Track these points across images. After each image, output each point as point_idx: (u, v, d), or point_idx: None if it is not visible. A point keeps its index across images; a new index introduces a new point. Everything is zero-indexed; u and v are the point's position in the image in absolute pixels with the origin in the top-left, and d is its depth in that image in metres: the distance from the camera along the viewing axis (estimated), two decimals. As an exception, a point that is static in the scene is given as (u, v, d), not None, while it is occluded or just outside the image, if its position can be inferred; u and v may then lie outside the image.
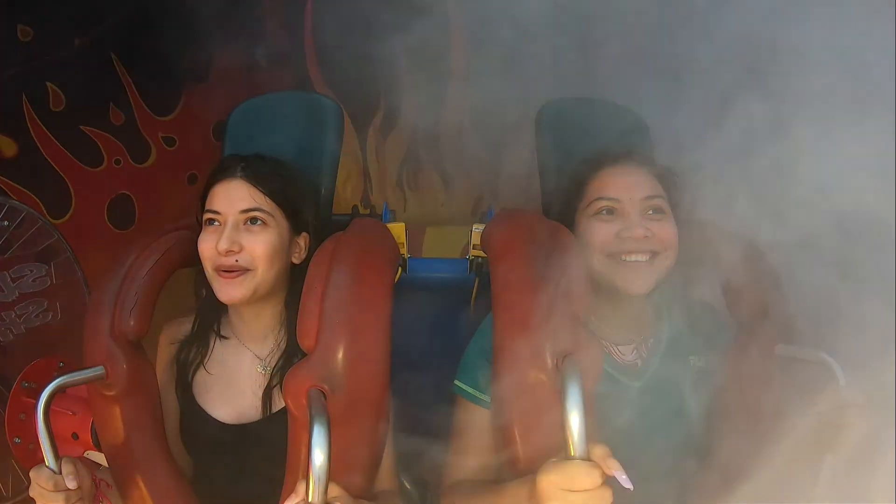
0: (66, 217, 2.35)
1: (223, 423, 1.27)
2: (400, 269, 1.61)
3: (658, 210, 1.22)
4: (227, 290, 1.21)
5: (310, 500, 0.88)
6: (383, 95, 2.77)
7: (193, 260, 1.26)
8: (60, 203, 2.34)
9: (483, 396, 1.18)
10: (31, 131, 2.25)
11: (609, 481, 0.89)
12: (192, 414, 1.29)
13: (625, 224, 1.19)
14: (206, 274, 1.24)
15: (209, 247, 1.22)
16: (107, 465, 1.25)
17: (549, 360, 1.01)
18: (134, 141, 2.52)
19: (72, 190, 2.35)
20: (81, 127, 2.37)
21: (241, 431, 1.26)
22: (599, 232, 1.21)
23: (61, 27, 2.21)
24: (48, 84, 2.25)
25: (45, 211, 2.26)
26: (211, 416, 1.27)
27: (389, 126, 2.96)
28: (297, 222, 1.29)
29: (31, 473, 1.10)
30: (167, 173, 2.59)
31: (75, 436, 1.48)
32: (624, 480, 0.89)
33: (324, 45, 2.83)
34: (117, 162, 2.47)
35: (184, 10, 2.21)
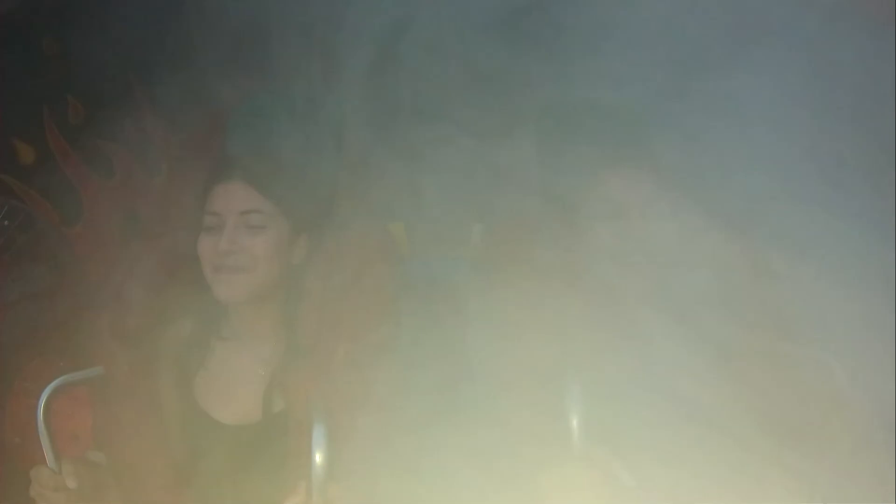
0: (77, 227, 2.37)
1: (223, 424, 1.27)
2: (400, 269, 1.61)
3: (658, 210, 1.22)
4: (227, 290, 1.21)
5: (310, 500, 0.88)
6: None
7: (193, 260, 1.26)
8: (72, 213, 2.37)
9: (482, 396, 1.18)
10: (50, 141, 2.28)
11: (609, 481, 0.89)
12: (193, 414, 1.29)
13: (624, 224, 1.20)
14: (206, 274, 1.24)
15: (209, 247, 1.22)
16: (107, 465, 1.25)
17: (548, 361, 1.02)
18: (147, 157, 2.55)
19: (84, 201, 2.38)
20: (97, 140, 2.40)
21: (241, 432, 1.26)
22: (599, 233, 1.21)
23: (85, 42, 2.25)
24: (68, 96, 2.28)
25: (57, 219, 2.29)
26: (211, 417, 1.27)
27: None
28: (296, 223, 1.29)
29: (31, 473, 1.10)
30: (177, 191, 2.61)
31: (75, 436, 1.48)
32: (626, 480, 0.89)
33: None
34: (129, 176, 2.50)
35: (202, 33, 2.24)
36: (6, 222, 2.04)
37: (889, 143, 1.02)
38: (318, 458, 0.88)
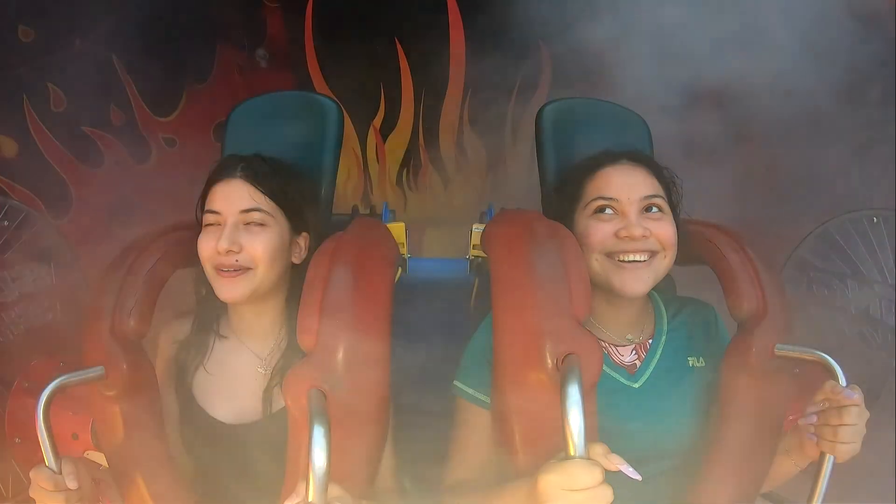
0: (67, 218, 2.35)
1: (223, 423, 1.27)
2: (400, 269, 1.61)
3: (657, 209, 1.22)
4: (228, 289, 1.21)
5: (310, 500, 0.88)
6: (384, 95, 2.79)
7: (193, 260, 1.26)
8: (61, 203, 2.35)
9: (482, 397, 1.18)
10: (32, 131, 2.26)
11: (612, 478, 0.89)
12: (193, 414, 1.29)
13: (623, 223, 1.19)
14: (206, 273, 1.24)
15: (209, 247, 1.22)
16: (107, 465, 1.25)
17: (548, 360, 1.01)
18: (134, 141, 2.52)
19: (72, 190, 2.36)
20: (82, 127, 2.38)
21: (241, 431, 1.26)
22: (598, 231, 1.21)
23: (62, 28, 2.22)
24: (49, 84, 2.26)
25: (45, 211, 2.27)
26: (211, 416, 1.27)
27: (390, 126, 2.96)
28: (297, 222, 1.29)
29: (31, 473, 1.10)
30: (167, 174, 2.60)
31: (75, 436, 1.48)
32: (631, 473, 0.89)
33: (324, 45, 2.83)
34: (118, 163, 2.48)
35: (184, 11, 2.22)
36: (6, 222, 2.04)
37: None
38: (318, 458, 0.88)
